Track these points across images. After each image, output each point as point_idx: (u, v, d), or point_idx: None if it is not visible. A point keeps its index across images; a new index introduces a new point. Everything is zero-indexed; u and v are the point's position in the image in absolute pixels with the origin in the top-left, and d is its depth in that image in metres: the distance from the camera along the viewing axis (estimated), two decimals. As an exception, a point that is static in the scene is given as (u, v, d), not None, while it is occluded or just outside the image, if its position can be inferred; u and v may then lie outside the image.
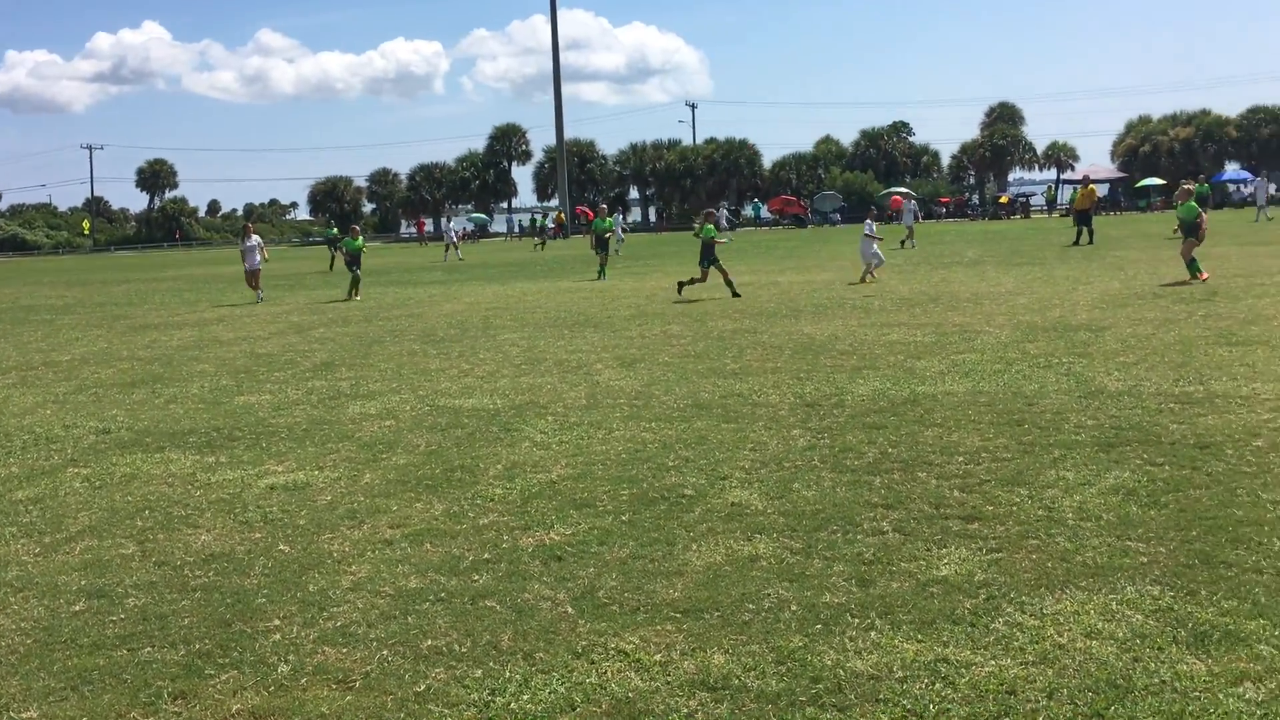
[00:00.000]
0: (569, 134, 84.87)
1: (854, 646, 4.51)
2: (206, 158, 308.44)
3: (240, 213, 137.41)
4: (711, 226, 21.59)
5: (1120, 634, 4.50)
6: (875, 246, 23.21)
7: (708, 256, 21.03)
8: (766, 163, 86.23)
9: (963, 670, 4.23)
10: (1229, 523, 5.85)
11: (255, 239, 26.70)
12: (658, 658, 4.48)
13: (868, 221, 24.05)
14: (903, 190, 67.55)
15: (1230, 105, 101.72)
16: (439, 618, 5.04)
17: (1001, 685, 4.09)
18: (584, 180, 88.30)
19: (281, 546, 6.28)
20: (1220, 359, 10.96)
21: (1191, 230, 19.63)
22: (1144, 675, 4.11)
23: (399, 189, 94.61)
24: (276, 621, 5.10)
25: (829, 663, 4.36)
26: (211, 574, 5.87)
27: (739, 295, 20.34)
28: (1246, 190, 68.29)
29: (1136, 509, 6.19)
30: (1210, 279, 18.76)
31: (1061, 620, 4.68)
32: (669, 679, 4.28)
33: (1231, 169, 72.89)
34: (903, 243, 36.66)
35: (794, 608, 4.97)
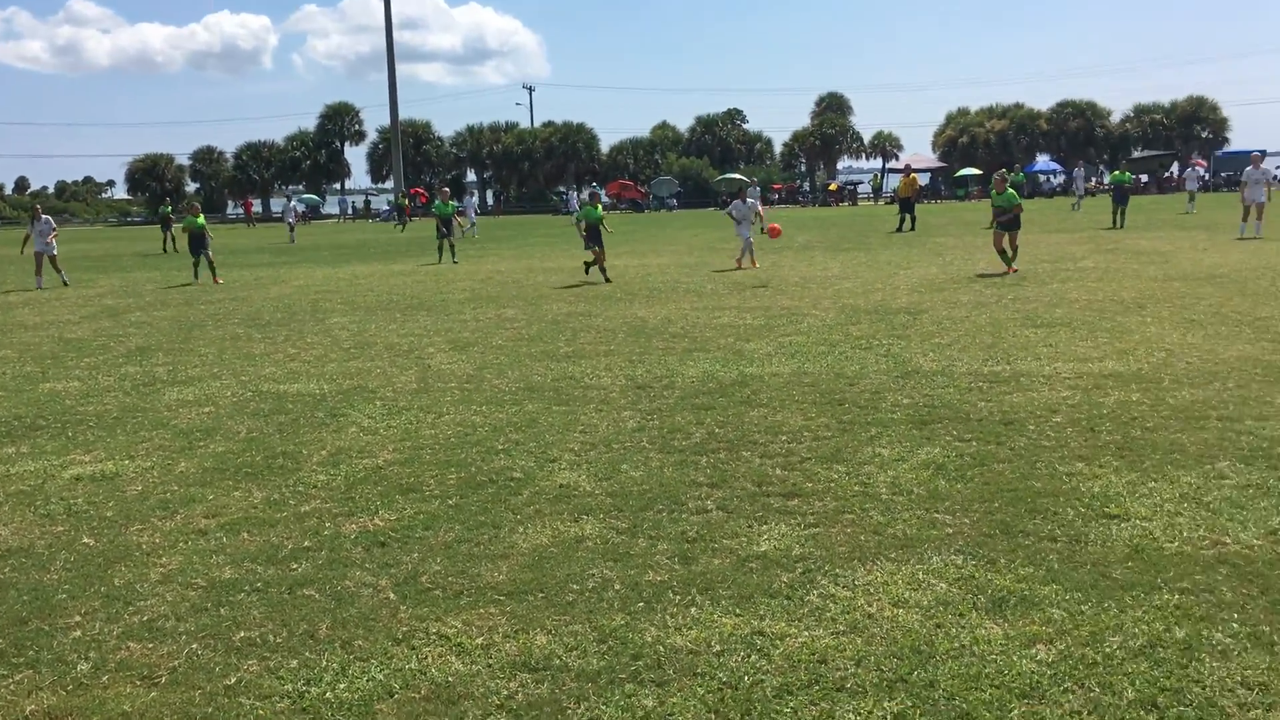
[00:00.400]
0: (404, 115, 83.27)
1: (675, 623, 4.58)
2: (13, 132, 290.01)
3: (51, 191, 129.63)
4: (595, 209, 21.04)
5: (925, 602, 4.71)
6: (751, 231, 22.52)
7: (594, 238, 20.53)
8: (604, 147, 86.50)
9: (777, 642, 4.36)
10: (1028, 494, 6.19)
11: (46, 220, 24.96)
12: (480, 641, 4.46)
13: (738, 202, 23.09)
14: (738, 176, 68.83)
15: (1042, 99, 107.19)
16: (253, 608, 4.89)
17: (813, 655, 4.23)
18: (420, 162, 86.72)
19: (86, 539, 5.98)
20: (1026, 340, 11.56)
21: (1010, 220, 19.17)
22: (945, 640, 4.32)
23: (225, 168, 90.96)
24: (77, 618, 4.86)
25: (650, 639, 4.42)
26: (8, 570, 5.55)
27: (610, 280, 20.07)
28: (1056, 180, 72.20)
29: (945, 483, 6.48)
30: (1020, 268, 19.72)
31: (872, 591, 4.86)
32: (490, 661, 4.27)
33: (1042, 160, 76.85)
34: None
35: (617, 587, 5.02)
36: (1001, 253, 19.37)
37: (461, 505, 6.38)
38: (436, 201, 30.01)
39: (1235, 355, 10.15)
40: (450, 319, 15.46)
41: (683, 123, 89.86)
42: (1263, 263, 18.72)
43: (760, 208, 22.66)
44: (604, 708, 3.88)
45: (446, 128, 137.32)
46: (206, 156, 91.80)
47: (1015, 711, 3.74)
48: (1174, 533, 5.45)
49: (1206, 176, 54.24)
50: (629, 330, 13.62)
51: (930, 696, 3.87)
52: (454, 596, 4.96)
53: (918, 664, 4.12)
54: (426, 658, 4.32)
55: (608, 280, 20.01)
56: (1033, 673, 4.01)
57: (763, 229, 23.53)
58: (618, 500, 6.37)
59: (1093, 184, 61.44)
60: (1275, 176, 26.95)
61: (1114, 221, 30.99)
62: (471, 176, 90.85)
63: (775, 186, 75.61)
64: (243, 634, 4.61)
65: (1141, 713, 3.69)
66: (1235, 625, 4.34)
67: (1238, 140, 76.59)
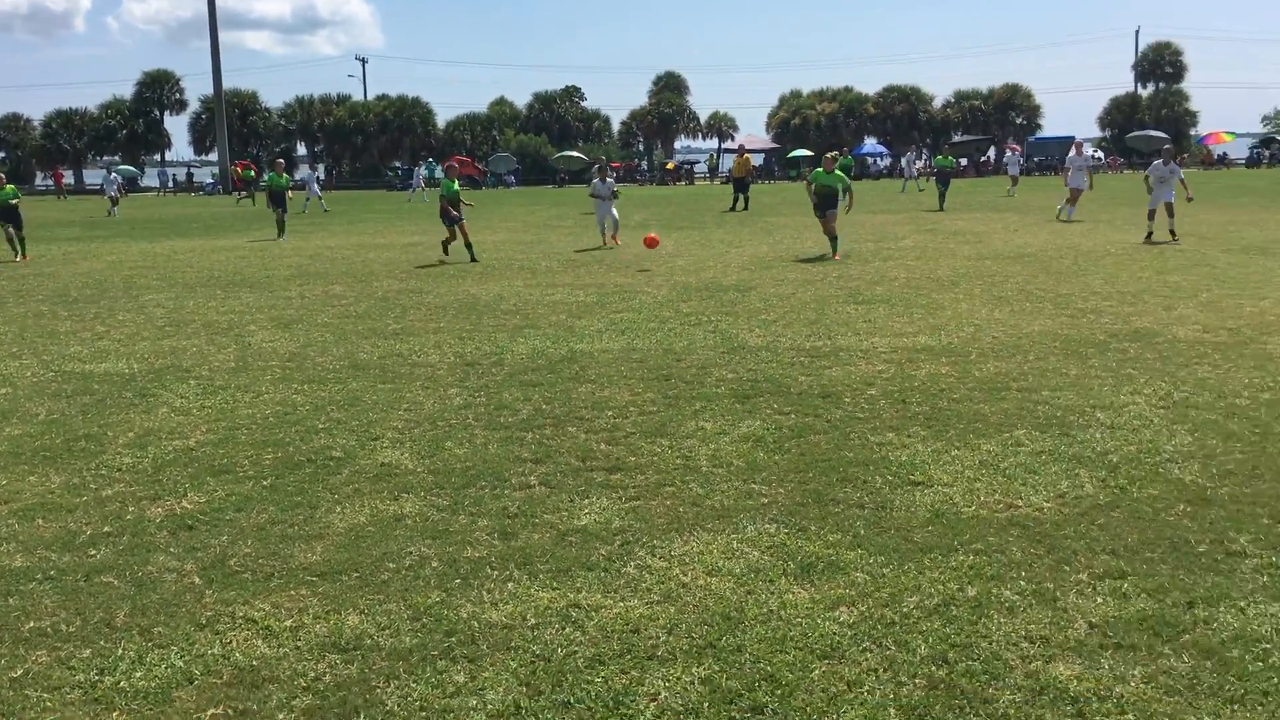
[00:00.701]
0: (230, 84, 79.76)
1: (491, 598, 4.57)
2: None
3: None
4: (452, 182, 19.96)
5: (738, 570, 4.82)
6: (613, 208, 22.09)
7: (449, 215, 19.47)
8: (440, 122, 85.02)
9: (592, 614, 4.40)
10: (841, 464, 6.41)
11: None
12: (288, 623, 4.35)
13: (597, 181, 22.51)
14: (576, 154, 68.71)
15: (870, 84, 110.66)
16: (46, 597, 4.65)
17: (627, 625, 4.29)
18: (246, 134, 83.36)
19: None
20: (847, 316, 11.94)
21: (829, 201, 18.46)
22: (755, 606, 4.44)
23: (32, 136, 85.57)
24: None
25: (465, 615, 4.40)
26: None
27: (472, 259, 19.55)
28: (884, 163, 74.62)
29: (763, 454, 6.65)
30: (845, 248, 20.28)
31: (687, 560, 4.96)
32: (299, 644, 4.17)
33: (870, 143, 79.32)
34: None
35: (435, 564, 4.97)
36: (833, 239, 18.68)
37: (277, 486, 6.20)
38: (269, 174, 28.95)
39: (1037, 330, 10.72)
40: (274, 296, 14.98)
41: (521, 99, 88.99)
42: (1066, 243, 19.80)
43: (609, 186, 22.13)
44: (414, 686, 3.85)
45: (275, 99, 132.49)
46: (12, 124, 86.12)
47: (816, 671, 3.88)
48: (972, 498, 5.73)
49: (1022, 161, 56.84)
50: (460, 307, 13.47)
51: (737, 660, 3.97)
52: (263, 579, 4.83)
53: (727, 630, 4.22)
54: (231, 642, 4.20)
55: (474, 259, 19.04)
56: (834, 634, 4.16)
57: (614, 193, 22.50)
58: (440, 478, 6.31)
59: (922, 165, 63.63)
60: (1094, 162, 28.14)
61: (940, 204, 32.10)
62: (302, 150, 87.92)
63: (614, 165, 75.82)
64: (32, 624, 4.38)
65: (933, 668, 3.88)
66: (1022, 583, 4.60)
67: (1049, 126, 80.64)
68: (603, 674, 3.90)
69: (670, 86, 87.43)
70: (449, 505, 5.82)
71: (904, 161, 52.04)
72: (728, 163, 67.06)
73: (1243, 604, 4.32)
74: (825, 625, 4.24)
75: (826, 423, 7.37)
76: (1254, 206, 28.84)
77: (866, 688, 3.75)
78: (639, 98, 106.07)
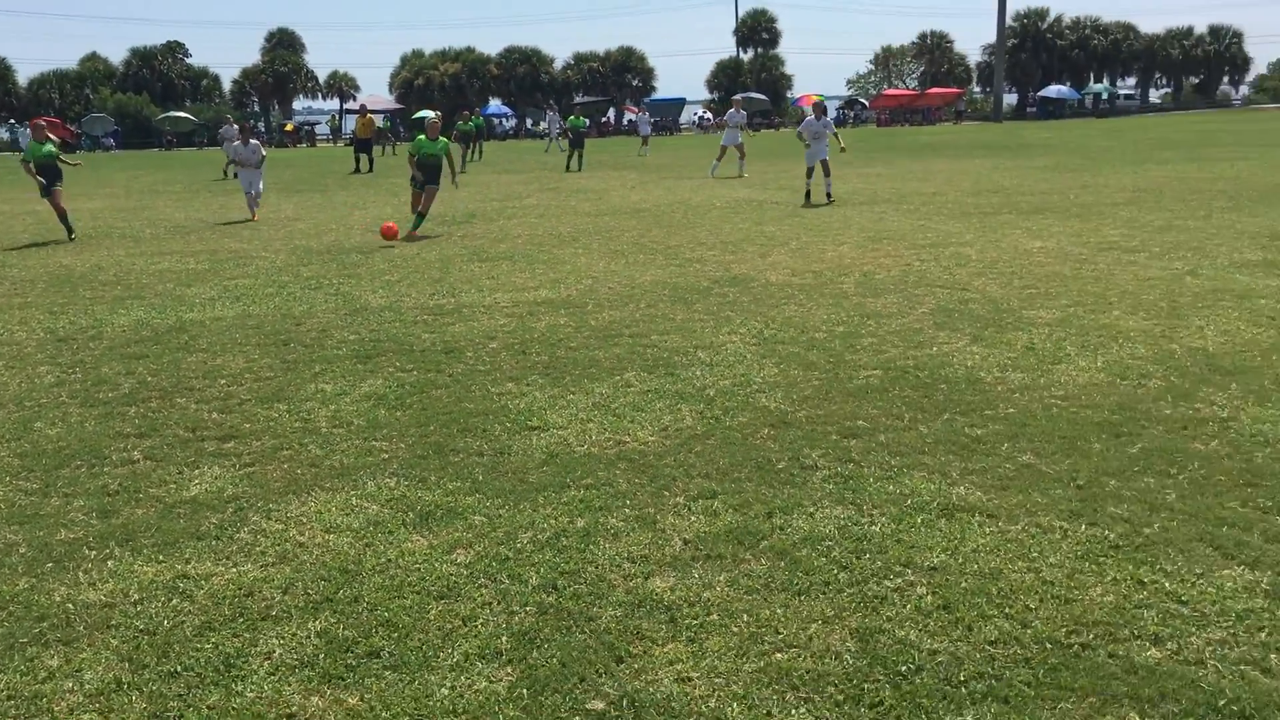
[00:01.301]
0: None
1: (89, 579, 4.32)
2: None
3: None
4: (40, 144, 16.64)
5: (356, 525, 4.84)
6: (261, 177, 19.59)
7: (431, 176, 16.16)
8: (22, 79, 76.46)
9: (202, 583, 4.27)
10: (462, 415, 6.54)
11: None
12: None
13: (239, 145, 19.72)
14: (184, 115, 64.24)
15: (492, 44, 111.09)
16: None
17: (240, 590, 4.20)
18: None
19: None
20: (471, 274, 12.08)
21: (432, 174, 15.97)
22: (373, 557, 4.48)
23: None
24: None
25: (58, 599, 4.14)
26: None
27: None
28: (509, 124, 75.37)
29: (385, 412, 6.66)
30: (471, 207, 20.41)
31: (304, 521, 4.91)
32: None
33: (495, 104, 79.79)
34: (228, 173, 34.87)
35: (23, 550, 4.62)
36: (419, 216, 15.88)
37: None
38: None
39: (649, 280, 11.36)
40: None
41: (116, 55, 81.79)
42: (678, 199, 20.99)
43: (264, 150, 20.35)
44: (1, 675, 3.59)
45: None
46: None
47: (433, 611, 3.99)
48: (585, 437, 6.05)
49: (652, 120, 58.93)
50: (51, 280, 12.34)
51: (354, 610, 4.01)
52: None
53: (344, 583, 4.24)
54: None
55: (71, 236, 16.68)
56: (451, 575, 4.30)
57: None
58: (28, 461, 5.83)
59: (564, 126, 64.66)
60: (745, 121, 28.73)
61: (568, 165, 32.20)
62: None
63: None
64: None
65: (543, 595, 4.11)
66: (627, 510, 4.94)
67: (663, 88, 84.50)
68: (213, 640, 3.81)
69: (284, 44, 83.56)
70: (39, 488, 5.40)
71: (545, 122, 52.46)
72: (351, 124, 65.15)
73: (812, 510, 4.88)
74: (442, 568, 4.36)
75: (449, 377, 7.48)
76: (834, 163, 31.79)
77: (481, 621, 3.92)
78: (251, 55, 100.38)
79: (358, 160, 33.60)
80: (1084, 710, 3.26)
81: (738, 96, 29.76)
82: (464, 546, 4.58)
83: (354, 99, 79.71)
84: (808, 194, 19.51)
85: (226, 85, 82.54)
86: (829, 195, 19.32)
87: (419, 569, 4.36)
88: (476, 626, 3.87)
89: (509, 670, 3.58)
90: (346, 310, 10.04)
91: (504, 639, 3.78)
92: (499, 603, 4.05)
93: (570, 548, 4.54)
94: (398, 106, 77.10)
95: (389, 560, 4.45)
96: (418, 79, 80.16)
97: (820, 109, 20.59)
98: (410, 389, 7.19)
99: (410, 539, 4.68)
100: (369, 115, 35.65)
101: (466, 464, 5.66)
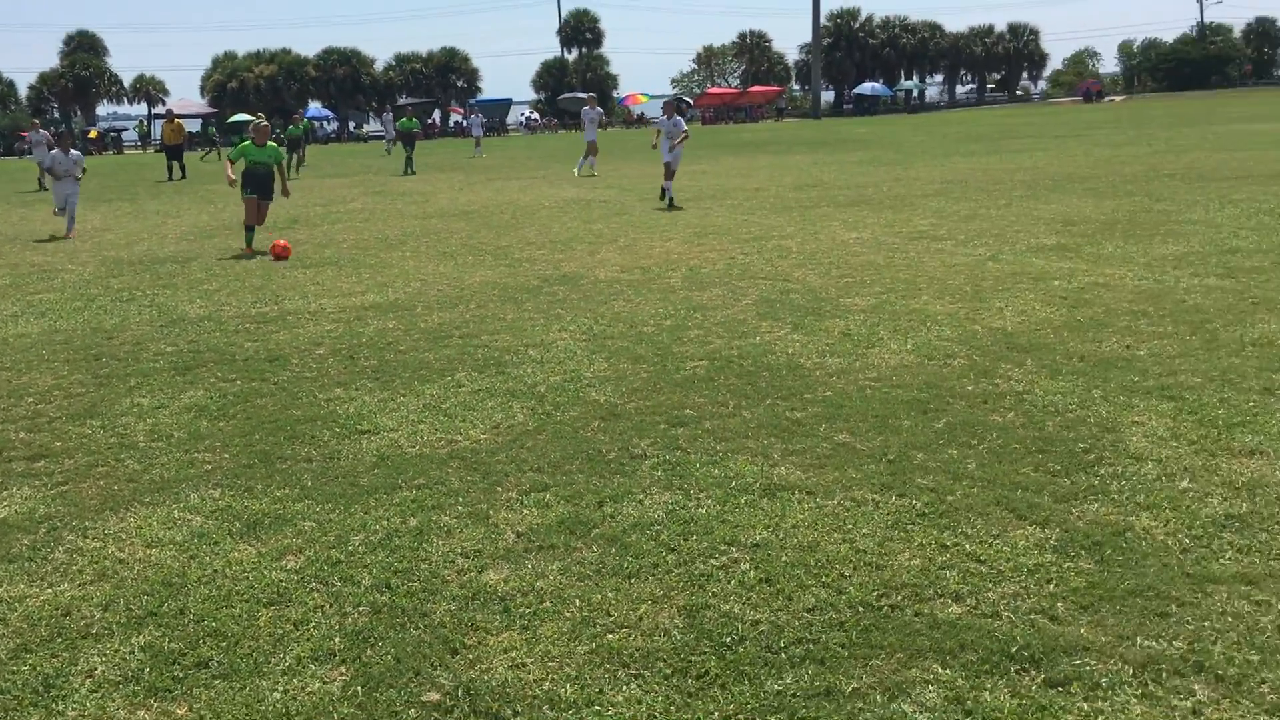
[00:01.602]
0: None
1: (-112, 611, 4.10)
2: None
3: None
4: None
5: (179, 538, 4.73)
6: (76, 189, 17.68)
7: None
8: None
9: (15, 605, 4.11)
10: (288, 422, 6.44)
11: None
12: None
13: (57, 153, 17.60)
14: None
15: (309, 46, 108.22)
16: None
17: (57, 609, 4.07)
18: None
19: None
20: (295, 280, 11.82)
21: (264, 186, 14.64)
22: (199, 569, 4.40)
23: None
24: None
25: None
26: None
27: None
28: (331, 127, 73.63)
29: (207, 423, 6.50)
30: (294, 213, 19.91)
31: (124, 537, 4.77)
32: None
33: (315, 106, 77.81)
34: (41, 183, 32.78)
35: None
36: (250, 229, 14.54)
37: None
38: None
39: (479, 281, 11.35)
40: None
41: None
42: (507, 199, 20.98)
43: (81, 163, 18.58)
44: None
45: None
46: None
47: (264, 618, 3.95)
48: (416, 438, 6.05)
49: (485, 122, 58.32)
50: None
51: (180, 623, 3.93)
52: None
53: (169, 596, 4.15)
54: None
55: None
56: (281, 581, 4.25)
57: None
58: None
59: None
60: (603, 117, 28.48)
61: (405, 169, 31.49)
62: None
63: (23, 134, 67.62)
64: None
65: (377, 595, 4.11)
66: (460, 507, 4.98)
67: (488, 89, 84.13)
68: (29, 661, 3.68)
69: (84, 47, 79.57)
70: None
71: (382, 122, 51.24)
72: (159, 130, 62.45)
73: (641, 497, 5.02)
74: (272, 575, 4.31)
75: (274, 385, 7.34)
76: (655, 159, 32.26)
77: (313, 624, 3.90)
78: (49, 59, 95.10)
79: (170, 167, 32.26)
80: (892, 665, 3.49)
81: (591, 94, 29.85)
82: (294, 553, 4.54)
83: (163, 103, 76.56)
84: (664, 195, 18.34)
85: (23, 91, 78.04)
86: (671, 200, 18.05)
87: (247, 577, 4.30)
88: (308, 630, 3.86)
89: (343, 670, 3.59)
90: (163, 322, 9.71)
91: (337, 640, 3.78)
92: (331, 605, 4.04)
93: (403, 547, 4.55)
94: (210, 110, 74.36)
95: (215, 571, 4.38)
96: (231, 81, 77.57)
97: (671, 108, 19.71)
98: (233, 399, 7.02)
99: (237, 548, 4.60)
100: (177, 120, 34.26)
101: (295, 471, 5.59)
